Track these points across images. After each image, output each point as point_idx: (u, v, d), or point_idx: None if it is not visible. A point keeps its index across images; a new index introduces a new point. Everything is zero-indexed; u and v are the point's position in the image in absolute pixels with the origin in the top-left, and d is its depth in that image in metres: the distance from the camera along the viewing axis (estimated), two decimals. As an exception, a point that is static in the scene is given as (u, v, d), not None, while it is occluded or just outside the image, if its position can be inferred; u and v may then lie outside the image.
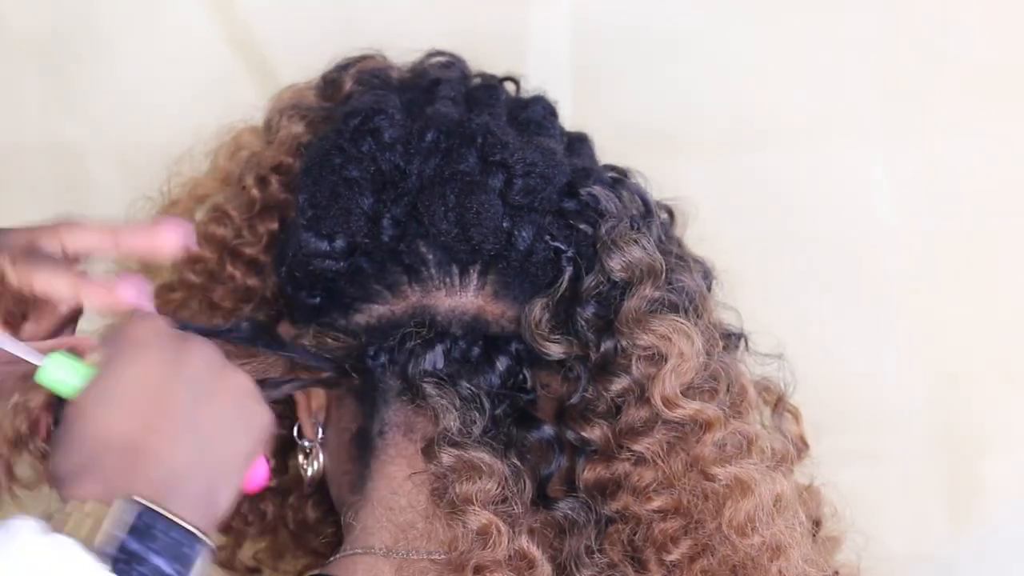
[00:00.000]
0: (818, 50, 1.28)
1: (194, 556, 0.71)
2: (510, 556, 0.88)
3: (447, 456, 0.90)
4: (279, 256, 0.99)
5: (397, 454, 0.94)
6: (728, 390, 0.94)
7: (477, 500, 0.89)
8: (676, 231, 1.05)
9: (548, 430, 0.92)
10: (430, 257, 0.94)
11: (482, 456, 0.89)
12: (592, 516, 0.92)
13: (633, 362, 0.92)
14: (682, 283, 0.96)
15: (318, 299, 0.96)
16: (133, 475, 0.73)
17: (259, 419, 0.81)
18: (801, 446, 1.02)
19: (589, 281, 0.93)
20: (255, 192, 1.02)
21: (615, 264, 0.93)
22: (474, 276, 0.94)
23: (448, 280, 0.94)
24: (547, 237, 0.94)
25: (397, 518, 0.93)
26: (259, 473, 0.84)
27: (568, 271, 0.94)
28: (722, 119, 1.29)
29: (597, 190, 0.96)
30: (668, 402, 0.91)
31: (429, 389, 0.92)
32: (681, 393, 0.91)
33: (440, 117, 0.96)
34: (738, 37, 1.28)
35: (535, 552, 0.89)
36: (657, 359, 0.92)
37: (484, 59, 1.26)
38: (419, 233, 0.94)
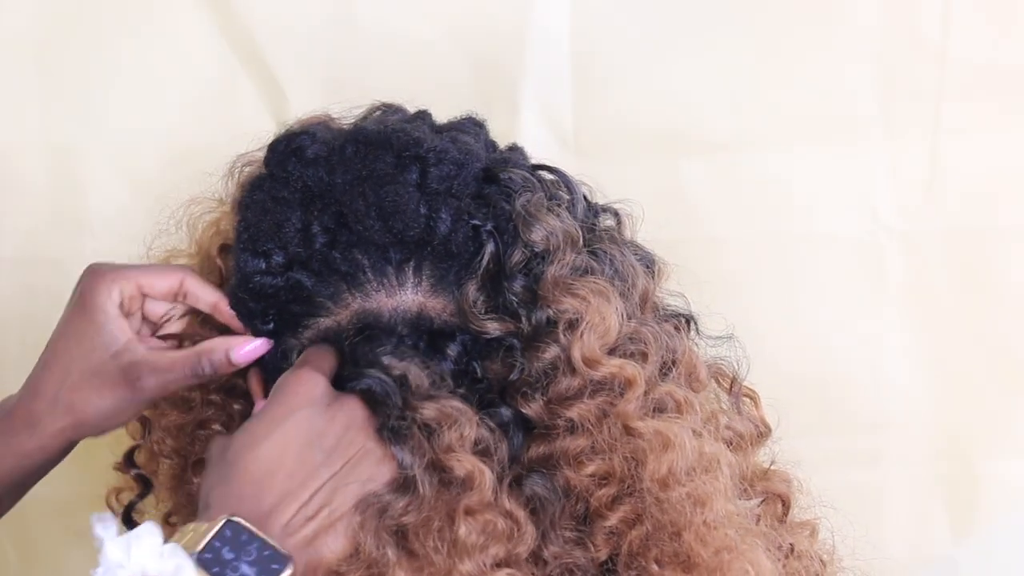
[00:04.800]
0: (818, 50, 1.28)
1: (279, 570, 0.84)
2: (499, 509, 0.90)
3: (428, 409, 0.91)
4: (229, 290, 1.00)
5: None
6: (674, 363, 0.96)
7: (461, 447, 0.90)
8: (625, 233, 1.05)
9: (506, 412, 0.94)
10: (365, 262, 0.96)
11: (457, 403, 0.91)
12: (557, 492, 0.94)
13: (560, 330, 0.94)
14: (608, 254, 0.97)
15: (271, 324, 0.98)
16: (255, 507, 0.87)
17: (377, 480, 0.90)
18: (763, 428, 1.03)
19: (512, 254, 0.95)
20: (219, 262, 1.04)
21: (534, 235, 0.95)
22: (409, 273, 0.96)
23: (385, 281, 0.96)
24: (466, 217, 0.96)
25: None
26: None
27: (489, 245, 0.96)
28: (722, 119, 1.29)
29: (515, 172, 0.99)
30: (588, 361, 0.93)
31: (387, 361, 0.93)
32: (604, 353, 0.93)
33: (359, 131, 0.99)
34: (738, 37, 1.28)
35: (519, 512, 0.91)
36: (577, 321, 0.94)
37: (484, 59, 1.27)
38: (351, 241, 0.96)
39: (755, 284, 1.29)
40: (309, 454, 0.88)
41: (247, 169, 1.04)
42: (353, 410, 0.91)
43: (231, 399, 1.05)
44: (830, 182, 1.29)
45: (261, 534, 0.84)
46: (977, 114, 1.28)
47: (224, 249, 1.04)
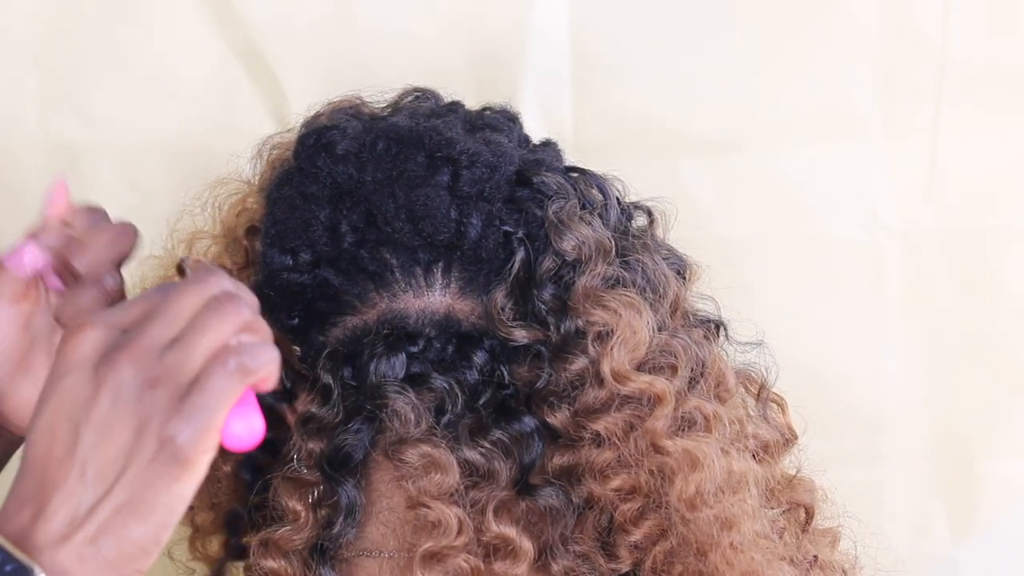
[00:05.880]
0: (818, 50, 1.28)
1: None
2: (484, 542, 0.90)
3: (412, 454, 0.91)
4: (254, 283, 1.00)
5: (380, 462, 0.95)
6: (702, 374, 0.95)
7: (439, 494, 0.90)
8: (657, 231, 1.05)
9: (529, 421, 0.93)
10: (393, 261, 0.95)
11: (444, 452, 0.91)
12: (571, 504, 0.93)
13: (589, 341, 0.93)
14: (640, 263, 0.96)
15: (296, 319, 0.97)
16: (36, 501, 0.74)
17: (170, 447, 0.75)
18: (789, 435, 1.02)
19: (543, 262, 0.94)
20: (245, 243, 1.03)
21: (565, 244, 0.94)
22: (438, 275, 0.95)
23: (413, 282, 0.95)
24: (497, 222, 0.95)
25: (387, 518, 0.94)
26: (250, 429, 0.76)
27: (520, 253, 0.95)
28: (722, 118, 1.29)
29: (548, 176, 0.97)
30: (618, 376, 0.92)
31: (389, 393, 0.93)
32: (633, 367, 0.92)
33: (391, 127, 0.98)
34: (739, 36, 1.28)
35: (510, 531, 0.90)
36: (607, 334, 0.92)
37: (484, 58, 1.27)
38: (380, 240, 0.95)
39: (755, 284, 1.29)
40: (74, 433, 0.74)
41: (275, 152, 1.04)
42: (131, 363, 0.75)
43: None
44: (830, 182, 1.30)
45: (4, 545, 0.72)
46: (977, 114, 1.28)
47: (252, 231, 1.03)
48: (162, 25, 1.28)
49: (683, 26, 1.28)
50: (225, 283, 0.77)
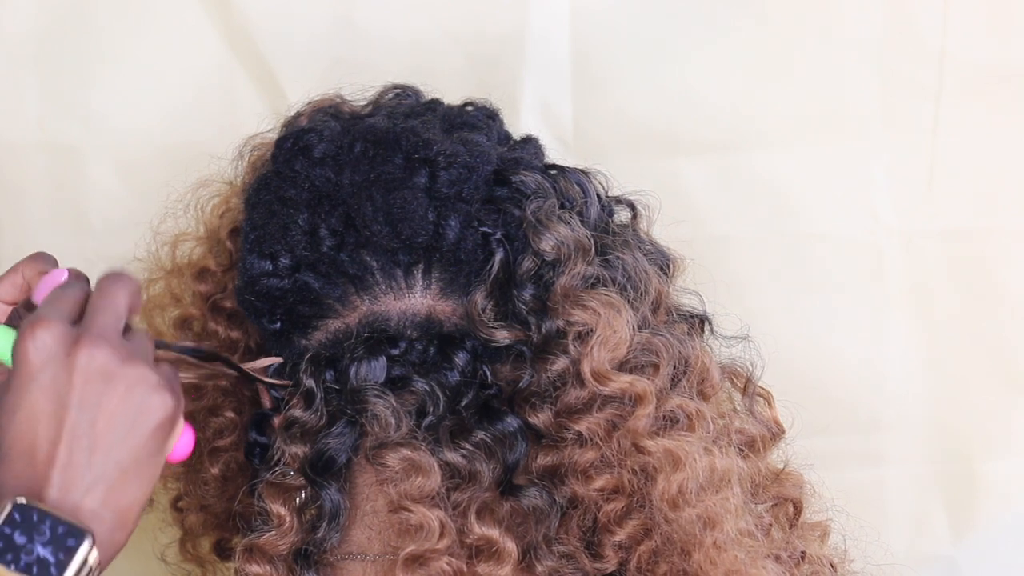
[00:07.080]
0: (818, 50, 1.28)
1: (76, 545, 0.79)
2: (468, 544, 0.90)
3: (392, 459, 0.91)
4: (235, 288, 1.00)
5: (363, 465, 0.95)
6: (685, 370, 0.95)
7: (420, 498, 0.90)
8: (641, 224, 1.05)
9: (512, 421, 0.93)
10: (373, 264, 0.95)
11: (424, 455, 0.91)
12: (555, 505, 0.93)
13: (570, 341, 0.93)
14: (620, 260, 0.96)
15: (279, 324, 0.97)
16: (31, 482, 0.81)
17: (155, 410, 0.83)
18: (776, 429, 1.02)
19: (522, 263, 0.95)
20: (229, 244, 1.03)
21: (544, 244, 0.95)
22: (418, 276, 0.95)
23: (394, 284, 0.95)
24: (475, 223, 0.95)
25: (370, 521, 0.95)
26: (183, 443, 0.86)
27: (499, 253, 0.95)
28: (722, 119, 1.29)
29: (527, 175, 0.97)
30: (598, 376, 0.92)
31: (369, 398, 0.93)
32: (613, 367, 0.92)
33: (368, 128, 0.98)
34: (738, 37, 1.28)
35: (493, 533, 0.90)
36: (587, 334, 0.93)
37: (484, 59, 1.27)
38: (359, 243, 0.95)
39: (755, 284, 1.29)
40: (61, 413, 0.81)
41: (255, 153, 1.04)
42: (94, 347, 0.82)
43: (242, 385, 1.04)
44: (830, 182, 1.30)
45: (51, 511, 0.79)
46: (977, 114, 1.28)
47: (235, 232, 1.03)
48: (161, 25, 1.28)
49: (683, 26, 1.28)
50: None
